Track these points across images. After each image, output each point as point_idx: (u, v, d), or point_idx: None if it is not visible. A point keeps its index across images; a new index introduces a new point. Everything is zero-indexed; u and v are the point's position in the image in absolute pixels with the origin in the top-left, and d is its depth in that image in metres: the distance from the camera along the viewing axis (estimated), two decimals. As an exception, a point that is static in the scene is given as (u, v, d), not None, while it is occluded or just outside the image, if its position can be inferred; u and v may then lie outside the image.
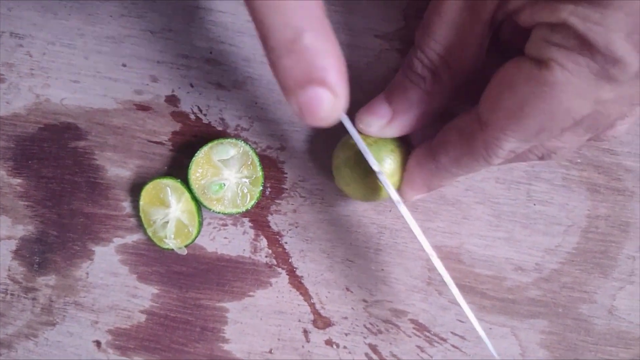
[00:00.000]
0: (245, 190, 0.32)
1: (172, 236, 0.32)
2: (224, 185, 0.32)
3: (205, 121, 0.33)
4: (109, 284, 0.34)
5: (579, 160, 0.32)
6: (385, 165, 0.29)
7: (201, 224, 0.33)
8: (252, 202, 0.32)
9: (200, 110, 0.33)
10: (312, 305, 0.34)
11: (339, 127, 0.30)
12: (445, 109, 0.29)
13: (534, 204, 0.33)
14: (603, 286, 0.33)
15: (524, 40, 0.23)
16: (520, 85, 0.22)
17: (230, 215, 0.33)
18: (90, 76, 0.33)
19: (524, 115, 0.22)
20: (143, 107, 0.34)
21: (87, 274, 0.34)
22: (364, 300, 0.34)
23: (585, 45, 0.20)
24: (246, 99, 0.33)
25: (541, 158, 0.26)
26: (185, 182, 0.32)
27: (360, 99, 0.31)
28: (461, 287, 0.33)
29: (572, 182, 0.32)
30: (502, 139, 0.23)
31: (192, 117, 0.33)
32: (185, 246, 0.33)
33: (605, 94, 0.21)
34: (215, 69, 0.33)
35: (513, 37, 0.27)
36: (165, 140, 0.34)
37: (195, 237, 0.33)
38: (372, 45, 0.32)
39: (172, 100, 0.33)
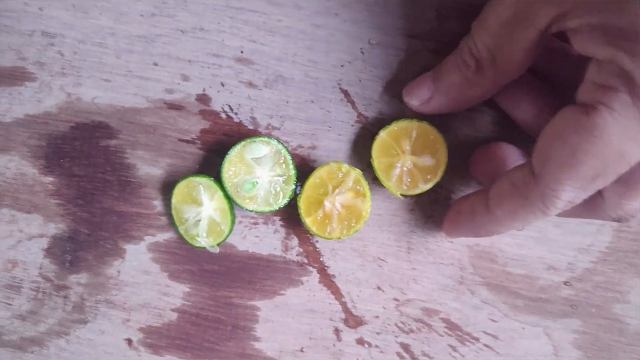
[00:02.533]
0: (278, 189, 0.32)
1: (205, 234, 0.32)
2: (257, 183, 0.32)
3: (236, 120, 0.33)
4: (141, 282, 0.34)
5: (612, 159, 0.32)
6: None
7: (233, 222, 0.33)
8: (285, 201, 0.32)
9: (231, 109, 0.33)
10: (343, 304, 0.34)
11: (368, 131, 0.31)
12: (483, 101, 0.30)
13: (567, 203, 0.32)
14: (637, 286, 0.33)
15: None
16: (570, 133, 0.22)
17: (262, 213, 0.33)
18: (122, 75, 0.34)
19: (576, 163, 0.22)
20: (174, 106, 0.34)
21: (119, 272, 0.34)
22: (396, 299, 0.34)
23: (631, 83, 0.20)
24: (277, 98, 0.33)
25: (618, 220, 0.26)
26: (218, 181, 0.32)
27: (391, 98, 0.31)
28: (493, 287, 0.33)
29: (605, 181, 0.32)
30: (559, 190, 0.23)
31: (223, 115, 0.34)
32: (218, 244, 0.33)
33: None
34: (246, 67, 0.33)
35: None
36: (196, 139, 0.34)
37: (228, 236, 0.33)
38: (405, 45, 0.32)
39: (203, 99, 0.33)
